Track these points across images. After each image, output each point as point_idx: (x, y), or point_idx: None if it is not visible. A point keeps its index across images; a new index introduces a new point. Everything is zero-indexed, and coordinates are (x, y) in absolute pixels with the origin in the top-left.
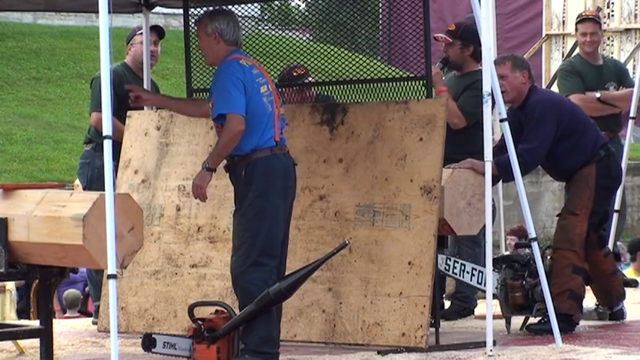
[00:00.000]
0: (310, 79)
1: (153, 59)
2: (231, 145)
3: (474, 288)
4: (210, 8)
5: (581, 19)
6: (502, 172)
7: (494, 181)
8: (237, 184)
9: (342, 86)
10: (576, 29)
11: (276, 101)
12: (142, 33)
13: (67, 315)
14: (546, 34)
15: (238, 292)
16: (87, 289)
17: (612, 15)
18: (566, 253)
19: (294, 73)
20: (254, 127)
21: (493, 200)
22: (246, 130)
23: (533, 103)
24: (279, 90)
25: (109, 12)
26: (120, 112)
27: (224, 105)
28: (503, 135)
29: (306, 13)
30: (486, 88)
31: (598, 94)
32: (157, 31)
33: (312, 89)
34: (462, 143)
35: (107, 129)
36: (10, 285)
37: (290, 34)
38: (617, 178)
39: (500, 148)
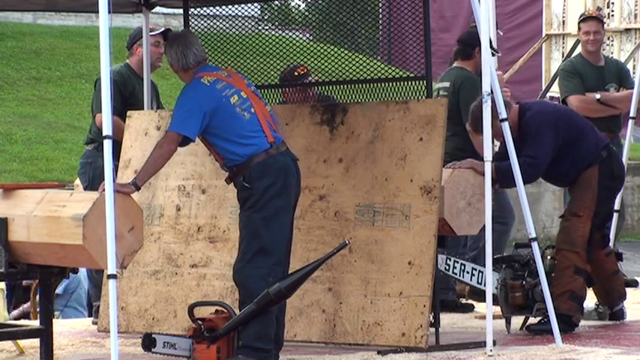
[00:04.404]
0: (311, 78)
1: (159, 61)
2: (161, 163)
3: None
4: (210, 9)
5: (584, 18)
6: (501, 179)
7: (493, 184)
8: (239, 190)
9: (342, 86)
10: (579, 28)
11: (256, 103)
12: (153, 34)
13: None
14: (546, 34)
15: (237, 286)
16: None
17: (612, 15)
18: (568, 255)
19: (296, 73)
20: (239, 138)
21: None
22: (233, 143)
23: (528, 120)
24: (281, 90)
25: (109, 12)
26: (124, 113)
27: (172, 122)
28: (502, 143)
29: (306, 13)
30: (486, 88)
31: (598, 96)
32: (163, 33)
33: (313, 89)
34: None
35: (107, 129)
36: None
37: (290, 34)
38: (619, 177)
39: (501, 155)
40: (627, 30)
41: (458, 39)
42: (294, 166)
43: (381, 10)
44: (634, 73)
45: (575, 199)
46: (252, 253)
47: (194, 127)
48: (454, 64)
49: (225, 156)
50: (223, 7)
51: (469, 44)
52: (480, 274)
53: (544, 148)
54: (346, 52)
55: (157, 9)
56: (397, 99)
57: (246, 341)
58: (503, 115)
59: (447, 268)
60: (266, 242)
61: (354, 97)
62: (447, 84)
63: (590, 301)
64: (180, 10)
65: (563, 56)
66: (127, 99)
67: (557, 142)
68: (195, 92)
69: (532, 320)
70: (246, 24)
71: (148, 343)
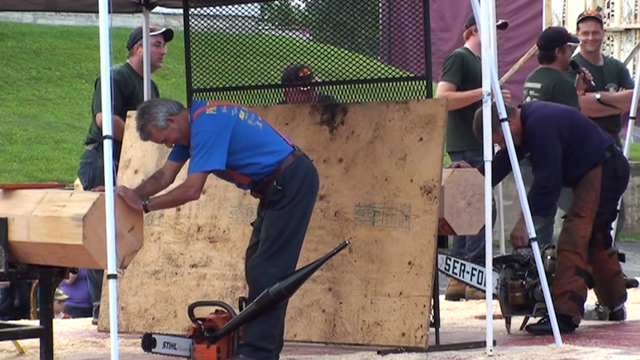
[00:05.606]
0: (314, 80)
1: (160, 62)
2: (179, 204)
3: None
4: (210, 9)
5: (583, 18)
6: (538, 210)
7: (493, 182)
8: (270, 194)
9: (342, 86)
10: (578, 28)
11: (259, 114)
12: (154, 35)
13: None
14: None
15: (250, 282)
16: None
17: (612, 15)
18: (569, 255)
19: (301, 74)
20: (262, 147)
21: (493, 200)
22: (259, 154)
23: (530, 127)
24: (283, 90)
25: (109, 12)
26: (124, 113)
27: (193, 164)
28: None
29: (306, 13)
30: (486, 88)
31: (598, 95)
32: (164, 34)
33: (315, 89)
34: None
35: (107, 129)
36: None
37: (290, 34)
38: (623, 177)
39: (503, 153)
40: (627, 30)
41: (537, 43)
42: (315, 169)
43: (381, 10)
44: (634, 73)
45: (578, 199)
46: (272, 252)
47: (220, 157)
48: (540, 67)
49: (254, 172)
50: (223, 7)
51: (547, 47)
52: (480, 274)
53: (552, 156)
54: (346, 52)
55: (157, 9)
56: (397, 99)
57: (248, 339)
58: (503, 115)
59: (447, 268)
60: (290, 242)
61: (354, 97)
62: (537, 85)
63: (591, 301)
64: (180, 10)
65: None
66: (127, 99)
67: (562, 146)
68: (208, 126)
69: (532, 320)
70: (246, 24)
71: (148, 343)
